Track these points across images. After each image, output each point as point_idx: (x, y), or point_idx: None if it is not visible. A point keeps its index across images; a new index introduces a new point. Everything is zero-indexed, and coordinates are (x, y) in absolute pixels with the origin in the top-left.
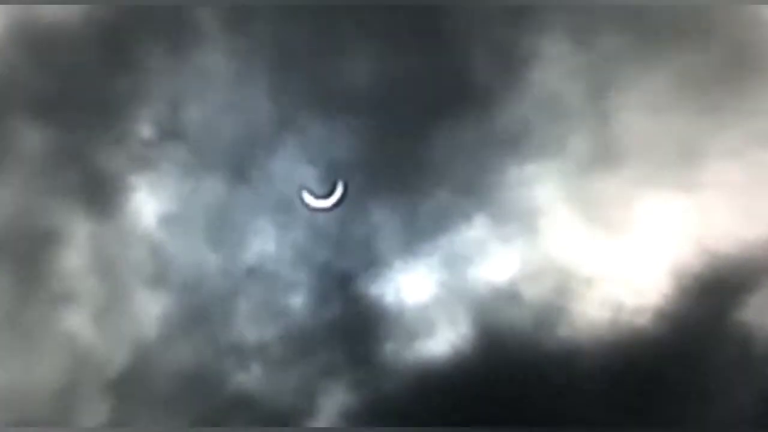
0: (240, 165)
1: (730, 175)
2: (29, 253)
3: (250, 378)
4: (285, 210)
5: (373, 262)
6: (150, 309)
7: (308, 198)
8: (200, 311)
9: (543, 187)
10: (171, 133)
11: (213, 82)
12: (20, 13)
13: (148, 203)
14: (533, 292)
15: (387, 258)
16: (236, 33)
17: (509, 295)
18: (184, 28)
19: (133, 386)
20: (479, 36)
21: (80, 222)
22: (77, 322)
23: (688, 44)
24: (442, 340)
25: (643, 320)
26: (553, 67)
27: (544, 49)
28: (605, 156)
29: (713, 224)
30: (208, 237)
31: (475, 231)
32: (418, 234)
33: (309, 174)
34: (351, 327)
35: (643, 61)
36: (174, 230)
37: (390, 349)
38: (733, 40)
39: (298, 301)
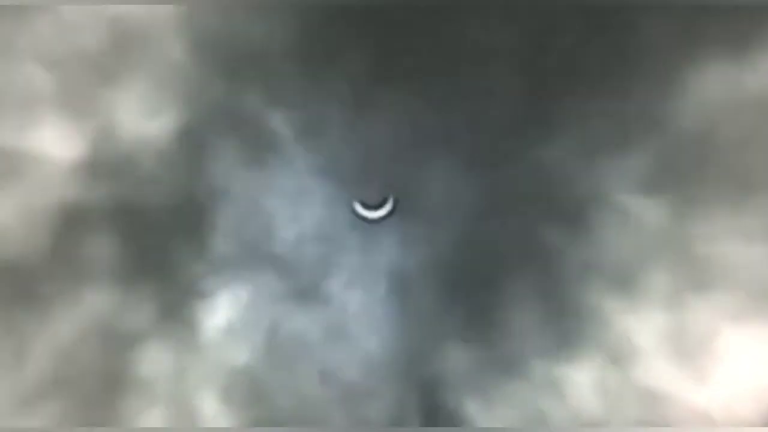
0: (311, 284)
1: None
2: (106, 365)
3: None
4: (346, 331)
5: (446, 396)
6: (219, 423)
7: (359, 208)
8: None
9: (626, 321)
10: (247, 247)
11: (290, 195)
12: (102, 131)
13: (221, 317)
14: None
15: (461, 394)
16: (310, 142)
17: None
18: (262, 141)
19: None
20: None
21: (156, 337)
22: None
23: None
24: None
25: None
26: (639, 191)
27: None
28: (692, 288)
29: None
30: (276, 354)
31: (557, 367)
32: (495, 371)
33: (376, 298)
34: None
35: (732, 193)
36: (244, 347)
37: None
38: None
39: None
